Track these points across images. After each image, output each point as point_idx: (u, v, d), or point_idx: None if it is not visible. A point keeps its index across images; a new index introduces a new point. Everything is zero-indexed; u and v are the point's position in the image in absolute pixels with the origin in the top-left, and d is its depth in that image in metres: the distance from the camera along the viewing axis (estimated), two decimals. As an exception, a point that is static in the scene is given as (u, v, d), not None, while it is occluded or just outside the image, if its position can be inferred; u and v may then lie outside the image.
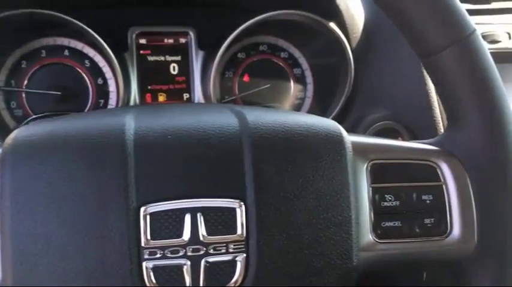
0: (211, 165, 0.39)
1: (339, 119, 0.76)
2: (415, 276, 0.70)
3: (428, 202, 0.44)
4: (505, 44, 0.74)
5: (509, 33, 0.74)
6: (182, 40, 0.78)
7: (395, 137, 0.72)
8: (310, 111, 0.82)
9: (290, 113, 0.46)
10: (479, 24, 0.74)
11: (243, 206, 0.39)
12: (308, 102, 0.83)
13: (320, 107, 0.81)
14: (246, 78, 0.81)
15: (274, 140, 0.41)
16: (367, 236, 0.43)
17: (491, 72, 0.44)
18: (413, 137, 0.71)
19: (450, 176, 0.45)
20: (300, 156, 0.41)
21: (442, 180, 0.45)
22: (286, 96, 0.82)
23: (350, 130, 0.75)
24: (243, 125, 0.41)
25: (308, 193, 0.41)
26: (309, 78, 0.82)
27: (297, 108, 0.83)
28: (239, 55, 0.80)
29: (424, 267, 0.67)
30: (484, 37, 0.73)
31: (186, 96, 0.78)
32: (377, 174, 0.44)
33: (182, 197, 0.38)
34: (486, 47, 0.45)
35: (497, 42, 0.74)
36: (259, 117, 0.42)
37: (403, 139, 0.72)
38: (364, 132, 0.72)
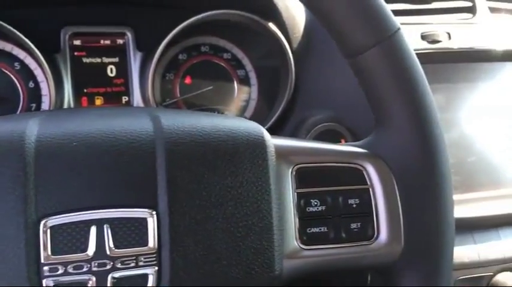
0: (121, 173, 0.37)
1: (281, 121, 0.74)
2: (359, 279, 0.69)
3: (354, 206, 0.43)
4: (446, 44, 0.74)
5: (449, 33, 0.74)
6: (119, 41, 0.75)
7: (337, 139, 0.71)
8: (255, 113, 0.80)
9: (211, 116, 0.44)
10: (420, 24, 0.74)
11: (155, 216, 0.37)
12: (253, 104, 0.81)
13: (266, 109, 0.79)
14: (188, 80, 0.78)
15: (191, 145, 0.39)
16: (292, 243, 0.42)
17: (416, 72, 0.43)
18: (356, 138, 0.70)
19: (377, 179, 0.44)
20: (218, 161, 0.39)
21: (369, 183, 0.44)
22: (230, 99, 0.80)
23: (292, 133, 0.75)
24: (157, 130, 0.39)
25: (226, 200, 0.39)
26: (253, 80, 0.80)
27: (242, 110, 0.81)
28: (180, 56, 0.78)
29: (367, 271, 0.66)
30: (424, 37, 0.73)
31: (125, 99, 0.76)
32: (302, 178, 0.43)
33: (87, 209, 0.36)
34: (410, 46, 0.44)
35: (437, 42, 0.74)
36: (175, 121, 0.40)
37: (346, 141, 0.71)
38: (306, 134, 0.70)
